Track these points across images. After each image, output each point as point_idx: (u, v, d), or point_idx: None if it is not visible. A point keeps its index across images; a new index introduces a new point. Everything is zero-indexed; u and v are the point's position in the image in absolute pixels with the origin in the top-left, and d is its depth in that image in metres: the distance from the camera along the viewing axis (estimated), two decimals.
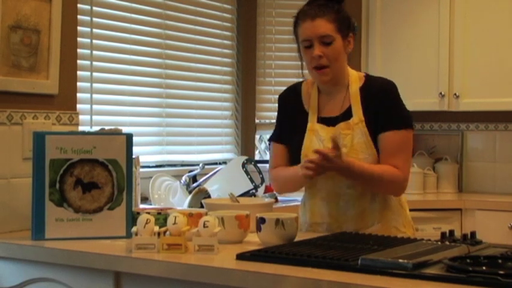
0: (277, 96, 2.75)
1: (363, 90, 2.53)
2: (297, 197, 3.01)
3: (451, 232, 2.20)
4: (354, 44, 2.55)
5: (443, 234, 2.17)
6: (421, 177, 4.45)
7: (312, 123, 2.56)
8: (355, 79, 2.56)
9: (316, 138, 2.53)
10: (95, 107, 3.62)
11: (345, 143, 2.47)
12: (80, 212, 2.43)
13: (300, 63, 2.61)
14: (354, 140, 2.48)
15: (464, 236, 2.15)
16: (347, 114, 2.52)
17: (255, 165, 4.00)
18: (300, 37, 2.52)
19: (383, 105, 2.49)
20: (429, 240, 2.14)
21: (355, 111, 2.51)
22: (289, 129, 2.63)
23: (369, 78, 2.58)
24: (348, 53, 2.54)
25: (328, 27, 2.46)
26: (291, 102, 2.65)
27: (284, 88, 2.74)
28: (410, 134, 2.53)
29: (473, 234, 2.17)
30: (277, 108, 2.73)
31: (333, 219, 2.55)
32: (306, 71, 2.60)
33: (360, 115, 2.50)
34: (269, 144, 2.71)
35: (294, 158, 2.59)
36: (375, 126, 2.48)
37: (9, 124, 2.68)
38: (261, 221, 2.21)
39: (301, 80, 2.70)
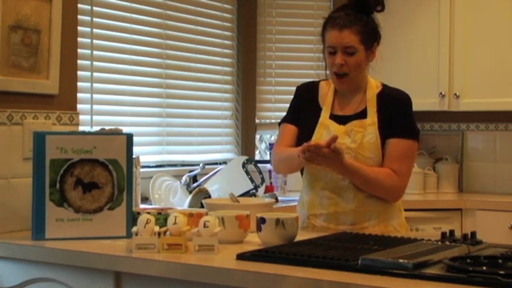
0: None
1: (380, 96, 2.64)
2: (297, 198, 3.01)
3: (451, 232, 2.20)
4: (377, 54, 2.65)
5: (443, 234, 2.18)
6: (421, 177, 4.45)
7: (324, 118, 2.65)
8: (373, 86, 2.67)
9: (327, 133, 2.60)
10: (95, 107, 3.62)
11: (356, 139, 2.57)
12: (80, 212, 2.44)
13: (324, 63, 2.69)
14: (364, 138, 2.57)
15: (465, 236, 2.15)
16: (361, 115, 2.62)
17: (255, 165, 4.00)
18: (326, 42, 2.62)
19: (396, 113, 2.60)
20: (429, 240, 2.14)
21: (369, 113, 2.61)
22: (301, 118, 2.71)
23: (386, 87, 2.69)
24: (370, 62, 2.65)
25: (352, 39, 2.55)
26: (308, 95, 2.75)
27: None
28: (416, 146, 2.64)
29: (473, 234, 2.17)
30: (290, 100, 2.79)
31: (332, 211, 2.60)
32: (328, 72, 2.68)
33: (374, 118, 2.60)
34: (279, 126, 2.80)
35: (299, 139, 2.65)
36: (386, 133, 2.58)
37: (10, 124, 2.68)
38: (262, 221, 2.21)
39: (318, 79, 2.79)
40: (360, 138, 2.57)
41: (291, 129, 2.72)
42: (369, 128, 2.58)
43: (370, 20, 2.60)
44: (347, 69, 2.58)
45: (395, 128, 2.58)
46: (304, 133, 2.66)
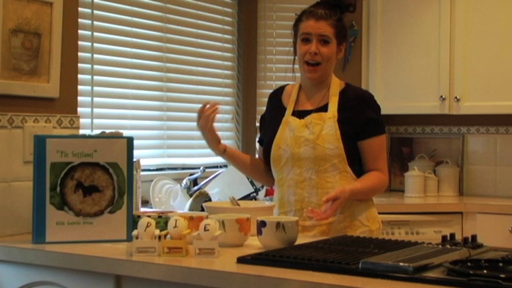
0: None
1: (342, 94, 2.73)
2: None
3: (452, 235, 2.20)
4: (343, 54, 2.78)
5: (444, 238, 2.17)
6: (422, 181, 4.45)
7: (287, 116, 2.75)
8: (336, 83, 2.76)
9: (289, 129, 2.71)
10: (95, 110, 3.62)
11: (314, 130, 2.66)
12: (80, 216, 2.44)
13: (292, 57, 2.80)
14: (323, 130, 2.66)
15: (465, 240, 2.15)
16: (322, 109, 2.71)
17: None
18: (300, 31, 2.71)
19: (362, 114, 2.68)
20: (430, 243, 2.14)
21: (330, 107, 2.70)
22: (269, 126, 2.81)
23: (349, 86, 2.79)
24: (337, 59, 2.76)
25: (328, 30, 2.67)
26: (273, 100, 2.88)
27: None
28: (385, 138, 2.80)
29: (474, 237, 2.17)
30: None
31: (298, 207, 2.68)
32: (296, 66, 2.80)
33: (335, 112, 2.68)
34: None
35: (267, 148, 2.76)
36: (349, 130, 2.65)
37: (10, 127, 2.68)
38: (262, 224, 2.21)
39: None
40: (319, 130, 2.65)
41: (261, 151, 2.89)
42: (328, 121, 2.66)
43: (342, 18, 2.73)
44: (320, 59, 2.67)
45: (367, 129, 2.68)
46: (270, 134, 2.77)
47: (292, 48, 2.79)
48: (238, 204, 2.72)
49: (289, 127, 2.71)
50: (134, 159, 2.56)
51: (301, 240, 2.26)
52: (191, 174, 3.93)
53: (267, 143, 2.78)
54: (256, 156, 3.05)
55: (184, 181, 3.83)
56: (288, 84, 2.87)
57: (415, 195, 4.39)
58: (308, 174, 2.66)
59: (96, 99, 3.62)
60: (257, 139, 3.02)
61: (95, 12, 3.62)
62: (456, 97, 4.29)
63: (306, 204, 2.65)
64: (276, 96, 2.86)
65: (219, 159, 4.46)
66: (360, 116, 2.67)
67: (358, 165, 2.71)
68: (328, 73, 2.73)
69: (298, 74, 2.83)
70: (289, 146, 2.69)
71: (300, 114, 2.73)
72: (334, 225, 2.63)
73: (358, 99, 2.71)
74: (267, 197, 4.01)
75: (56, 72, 2.83)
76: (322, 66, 2.68)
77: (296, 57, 2.76)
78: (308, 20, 2.68)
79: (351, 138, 2.66)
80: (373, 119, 2.69)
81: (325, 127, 2.65)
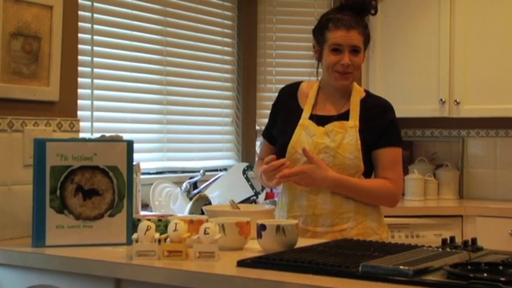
0: None
1: (363, 102, 2.69)
2: None
3: (452, 239, 2.20)
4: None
5: (444, 241, 2.17)
6: (421, 184, 4.45)
7: (304, 119, 2.69)
8: (358, 91, 2.72)
9: (306, 134, 2.65)
10: (95, 113, 3.62)
11: (336, 139, 2.61)
12: (80, 219, 2.43)
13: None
14: (344, 139, 2.61)
15: (465, 243, 2.15)
16: (343, 117, 2.66)
17: None
18: (330, 40, 2.64)
19: (382, 123, 2.65)
20: (430, 246, 2.14)
21: (352, 116, 2.65)
22: (281, 124, 2.75)
23: (369, 94, 2.76)
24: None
25: (359, 39, 2.65)
26: (287, 97, 2.79)
27: None
28: (401, 151, 2.71)
29: (474, 240, 2.17)
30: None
31: (310, 213, 2.64)
32: (320, 70, 2.73)
33: (356, 121, 2.64)
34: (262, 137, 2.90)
35: (282, 151, 2.68)
36: (368, 139, 2.62)
37: (10, 131, 2.68)
38: (262, 227, 2.21)
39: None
40: (340, 139, 2.61)
41: (267, 146, 2.83)
42: (349, 130, 2.62)
43: (367, 24, 2.71)
44: (352, 69, 2.64)
45: (383, 139, 2.64)
46: (284, 135, 2.70)
47: (313, 52, 2.72)
48: (238, 208, 2.72)
49: (307, 131, 2.65)
50: (134, 163, 2.56)
51: (301, 243, 2.25)
52: (191, 178, 3.94)
53: (280, 144, 2.71)
54: (257, 150, 3.01)
55: (184, 184, 3.84)
56: (302, 82, 2.81)
57: (415, 199, 4.38)
58: None
59: (96, 102, 3.63)
60: (263, 131, 2.91)
61: (95, 15, 3.62)
62: (456, 100, 4.29)
63: (319, 210, 2.62)
64: (291, 93, 2.78)
65: (219, 163, 4.49)
66: (379, 126, 2.64)
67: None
68: (356, 80, 2.72)
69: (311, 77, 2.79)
70: None
71: (318, 119, 2.67)
72: (347, 232, 2.59)
73: (379, 108, 2.68)
74: (267, 200, 4.01)
75: (55, 76, 2.83)
76: (354, 75, 2.66)
77: (320, 63, 2.69)
78: (338, 29, 2.62)
79: (369, 149, 2.63)
80: (389, 129, 2.65)
81: (347, 136, 2.61)
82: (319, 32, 2.67)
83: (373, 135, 2.63)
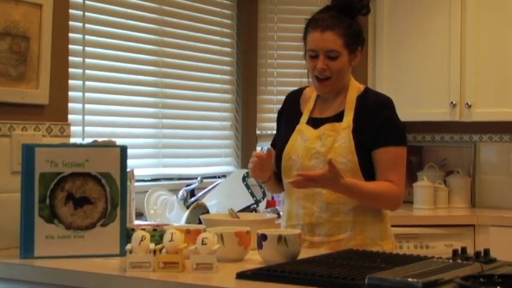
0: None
1: (360, 99, 2.67)
2: None
3: (464, 249, 2.20)
4: (361, 58, 2.69)
5: (455, 252, 2.17)
6: (431, 191, 4.44)
7: (301, 124, 2.71)
8: (354, 88, 2.70)
9: (301, 138, 2.67)
10: (87, 117, 3.62)
11: (326, 143, 2.62)
12: (71, 229, 2.43)
13: (305, 67, 2.73)
14: (335, 142, 2.61)
15: (478, 254, 2.15)
16: (338, 117, 2.66)
17: None
18: (308, 45, 2.65)
19: (378, 120, 2.62)
20: (440, 258, 2.14)
21: (346, 116, 2.65)
22: (283, 130, 2.78)
23: (367, 91, 2.74)
24: (353, 65, 2.69)
25: (335, 43, 2.60)
26: (291, 102, 2.82)
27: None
28: (405, 151, 2.66)
29: (486, 251, 2.17)
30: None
31: (307, 221, 2.64)
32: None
33: (350, 121, 2.63)
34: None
35: (279, 156, 2.70)
36: (363, 140, 2.60)
37: None
38: (263, 237, 2.21)
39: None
40: (331, 142, 2.61)
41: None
42: (342, 132, 2.61)
43: (354, 23, 2.64)
44: (329, 73, 2.61)
45: (379, 138, 2.59)
46: (283, 142, 2.72)
47: (304, 58, 2.71)
48: (238, 217, 2.72)
49: (302, 136, 2.66)
50: (128, 169, 2.56)
51: (304, 254, 2.25)
52: (188, 185, 3.94)
53: (278, 151, 2.71)
54: None
55: (180, 192, 3.83)
56: (307, 87, 2.80)
57: (425, 207, 4.38)
58: (318, 189, 2.58)
59: (87, 105, 3.63)
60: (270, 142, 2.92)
61: (87, 14, 3.62)
62: (467, 103, 4.29)
63: (316, 219, 2.62)
64: (294, 98, 2.80)
65: (217, 169, 4.49)
66: (374, 124, 2.60)
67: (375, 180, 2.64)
68: (341, 84, 2.66)
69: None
70: (299, 157, 2.64)
71: (314, 122, 2.68)
72: (344, 243, 2.58)
73: (374, 105, 2.64)
74: (268, 209, 4.01)
75: (45, 78, 2.84)
76: (332, 81, 2.62)
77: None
78: (314, 31, 2.60)
79: (367, 149, 2.59)
80: (385, 127, 2.60)
81: (339, 139, 2.60)
82: (303, 34, 2.69)
83: (369, 134, 2.60)
